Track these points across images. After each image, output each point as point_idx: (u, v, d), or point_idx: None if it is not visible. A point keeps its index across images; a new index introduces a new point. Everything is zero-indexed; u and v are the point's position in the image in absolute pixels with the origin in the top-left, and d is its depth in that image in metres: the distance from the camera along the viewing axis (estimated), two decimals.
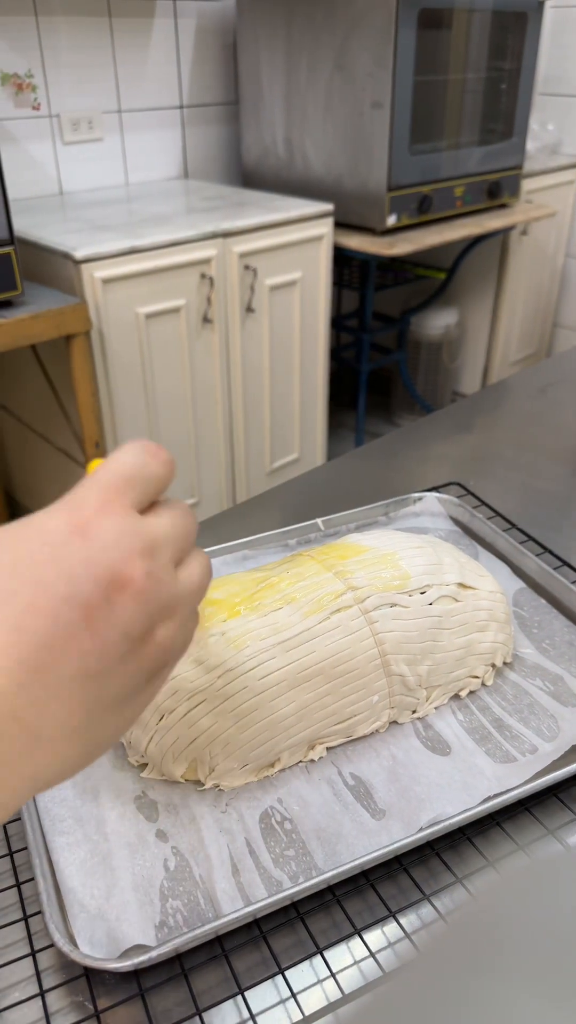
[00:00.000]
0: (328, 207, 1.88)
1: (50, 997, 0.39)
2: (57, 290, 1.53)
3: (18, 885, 0.44)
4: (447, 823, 0.45)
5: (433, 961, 0.20)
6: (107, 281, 1.52)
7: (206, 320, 1.72)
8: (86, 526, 0.26)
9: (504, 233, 2.39)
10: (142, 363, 1.64)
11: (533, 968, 0.18)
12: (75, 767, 0.27)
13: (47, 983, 0.40)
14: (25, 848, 0.45)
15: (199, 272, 1.66)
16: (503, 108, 2.18)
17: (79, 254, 1.48)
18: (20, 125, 1.87)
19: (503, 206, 2.32)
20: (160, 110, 2.10)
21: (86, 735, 0.26)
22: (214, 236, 1.66)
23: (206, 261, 1.66)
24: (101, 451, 1.62)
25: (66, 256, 1.50)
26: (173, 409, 1.75)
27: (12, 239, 1.38)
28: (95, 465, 0.29)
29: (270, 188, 2.15)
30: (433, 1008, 0.18)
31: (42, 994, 0.39)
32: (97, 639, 0.25)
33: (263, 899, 0.41)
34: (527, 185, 2.39)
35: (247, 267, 1.75)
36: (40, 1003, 0.39)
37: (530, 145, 2.48)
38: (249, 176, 2.23)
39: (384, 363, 2.55)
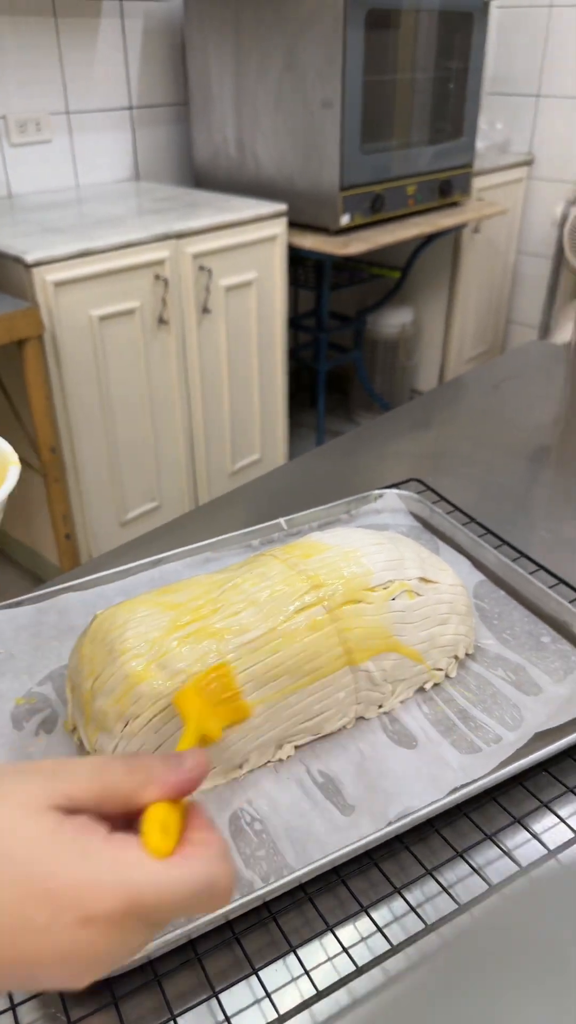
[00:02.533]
0: (282, 207, 1.88)
1: (22, 1011, 0.39)
2: (8, 295, 1.51)
3: None
4: (415, 816, 0.45)
5: (432, 963, 0.20)
6: (59, 284, 1.50)
7: (161, 321, 1.70)
8: (92, 923, 0.26)
9: (456, 231, 2.42)
10: (97, 366, 1.62)
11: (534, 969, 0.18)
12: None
13: (18, 996, 0.39)
14: None
15: (153, 273, 1.65)
16: (452, 107, 2.20)
17: (30, 258, 1.45)
18: None
19: (454, 204, 2.34)
20: (109, 111, 2.08)
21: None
22: (167, 237, 1.65)
23: (159, 262, 1.65)
24: (57, 456, 1.60)
25: (17, 260, 1.47)
26: (130, 412, 1.73)
27: None
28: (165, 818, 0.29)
29: (222, 189, 2.14)
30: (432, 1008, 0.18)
31: (13, 1008, 0.39)
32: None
33: (234, 900, 0.41)
34: (478, 183, 2.43)
35: (201, 268, 1.74)
36: (11, 1017, 0.38)
37: (480, 144, 2.51)
38: (201, 177, 2.22)
39: (341, 362, 2.56)
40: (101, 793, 0.29)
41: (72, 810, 0.28)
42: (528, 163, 2.67)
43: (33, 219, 1.73)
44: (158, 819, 0.29)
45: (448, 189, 2.25)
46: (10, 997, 0.39)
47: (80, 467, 1.68)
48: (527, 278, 2.85)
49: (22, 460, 0.48)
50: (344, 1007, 0.39)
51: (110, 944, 0.27)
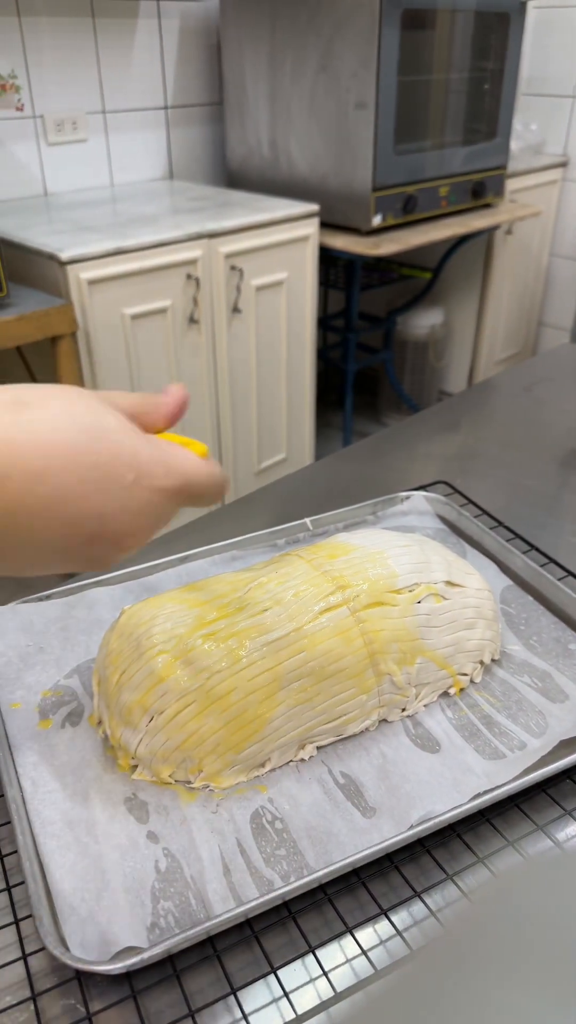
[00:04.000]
0: (313, 207, 1.88)
1: (42, 1001, 0.39)
2: (42, 292, 1.53)
3: (8, 889, 0.44)
4: (437, 820, 0.45)
5: (431, 960, 0.20)
6: (93, 282, 1.52)
7: (192, 321, 1.71)
8: (115, 459, 0.34)
9: (489, 233, 2.40)
10: (128, 364, 1.64)
11: (533, 968, 0.18)
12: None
13: (39, 987, 0.40)
14: (15, 851, 0.45)
15: (185, 273, 1.66)
16: (487, 108, 2.19)
17: (65, 255, 1.47)
18: (4, 126, 1.86)
19: (487, 206, 2.33)
20: (144, 111, 2.10)
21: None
22: (200, 237, 1.66)
23: (192, 262, 1.66)
24: None
25: (51, 257, 1.49)
26: None
27: None
28: (176, 438, 0.39)
29: (255, 189, 2.15)
30: (432, 1008, 0.18)
31: (34, 998, 0.39)
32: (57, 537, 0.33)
33: (255, 899, 0.41)
34: (511, 185, 2.41)
35: (233, 268, 1.75)
36: (32, 1007, 0.39)
37: (514, 145, 2.49)
38: (234, 177, 2.23)
39: (371, 363, 2.56)
40: (135, 407, 0.37)
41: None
42: (563, 165, 2.64)
43: (68, 217, 1.75)
44: (184, 440, 0.39)
45: (481, 190, 2.24)
46: (31, 987, 0.40)
47: None
48: (560, 280, 2.81)
49: None
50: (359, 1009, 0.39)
51: (162, 511, 0.35)
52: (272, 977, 0.40)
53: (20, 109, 1.86)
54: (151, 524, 0.35)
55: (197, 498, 0.37)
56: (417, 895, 0.44)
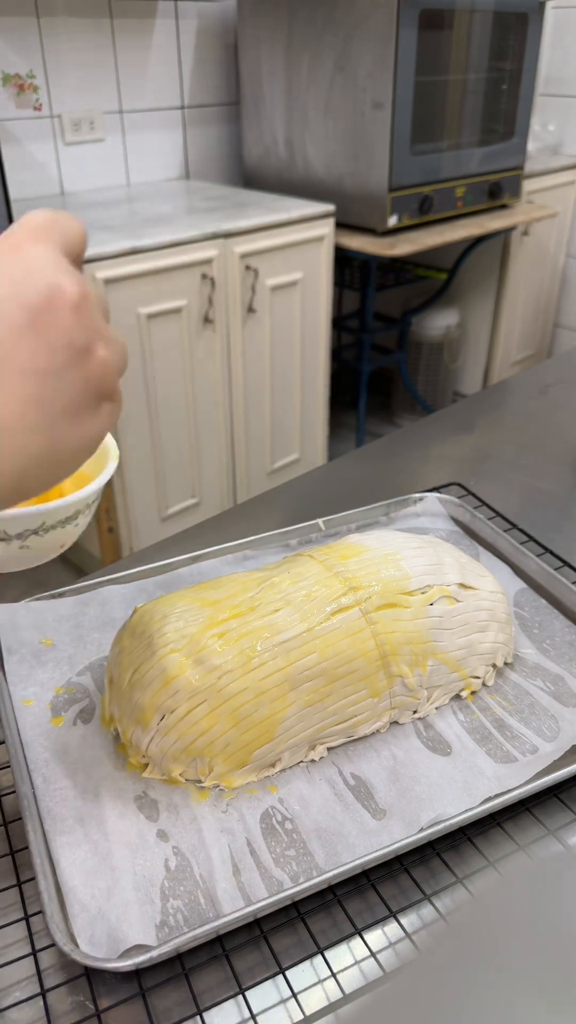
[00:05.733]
0: (329, 208, 1.88)
1: (51, 997, 0.39)
2: None
3: (19, 884, 0.44)
4: (448, 823, 0.45)
5: (433, 961, 0.20)
6: (108, 281, 1.52)
7: (207, 320, 1.72)
8: (20, 247, 0.29)
9: (505, 234, 2.39)
10: (143, 363, 1.64)
11: (533, 968, 0.18)
12: (41, 463, 0.29)
13: (48, 983, 0.40)
14: (26, 848, 0.45)
15: (200, 272, 1.66)
16: (504, 109, 2.18)
17: None
18: (22, 125, 1.87)
19: (504, 207, 2.31)
20: (161, 110, 2.10)
21: (47, 433, 0.29)
22: (215, 237, 1.66)
23: (207, 262, 1.66)
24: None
25: None
26: (174, 409, 1.75)
27: None
28: None
29: (271, 189, 2.15)
30: (433, 1008, 0.18)
31: (43, 993, 0.39)
32: (42, 340, 0.28)
33: (264, 899, 0.41)
34: (528, 186, 2.39)
35: (248, 268, 1.75)
36: (41, 1002, 0.39)
37: (531, 146, 2.48)
38: (250, 176, 2.23)
39: (385, 363, 2.55)
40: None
41: None
42: None
43: (85, 217, 1.75)
44: None
45: (498, 191, 2.23)
46: (40, 983, 0.40)
47: (123, 462, 1.70)
48: None
49: None
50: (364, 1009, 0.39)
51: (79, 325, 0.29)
52: (280, 977, 0.40)
53: (38, 109, 1.87)
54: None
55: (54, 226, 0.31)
56: (427, 897, 0.44)
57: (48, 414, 0.29)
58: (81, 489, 0.40)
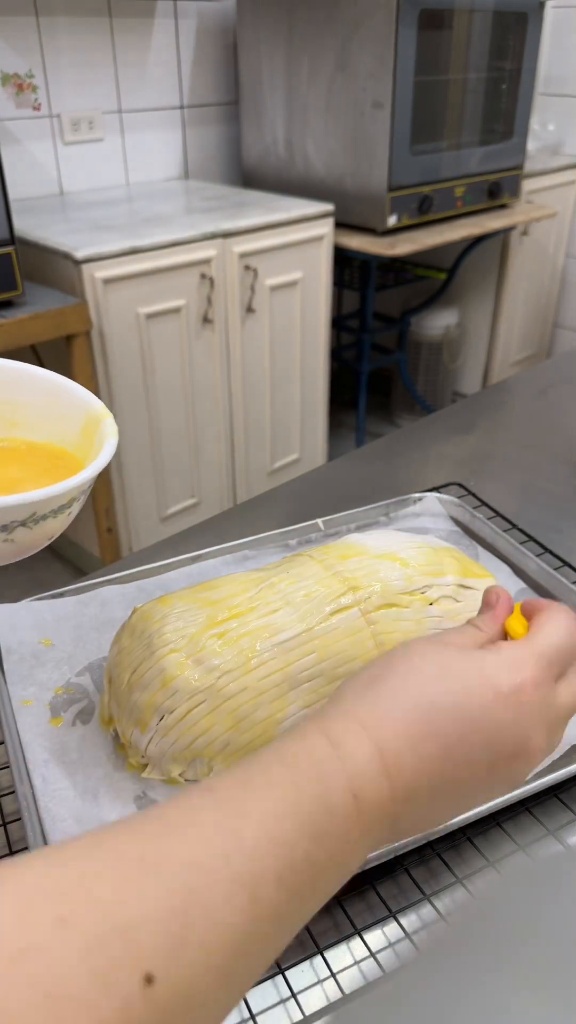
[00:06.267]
0: (329, 207, 1.88)
1: None
2: (57, 290, 1.53)
3: None
4: (448, 823, 0.45)
5: (433, 961, 0.20)
6: (108, 281, 1.52)
7: (206, 320, 1.72)
8: (522, 692, 0.33)
9: (504, 233, 2.39)
10: (142, 363, 1.64)
11: (533, 967, 0.18)
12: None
13: None
14: (25, 848, 0.45)
15: (199, 272, 1.66)
16: (504, 108, 2.18)
17: (80, 254, 1.48)
18: (21, 125, 1.87)
19: (503, 206, 2.32)
20: (161, 110, 2.10)
21: (440, 816, 0.34)
22: (214, 236, 1.66)
23: (206, 261, 1.66)
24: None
25: (67, 256, 1.50)
26: (173, 409, 1.75)
27: (13, 239, 1.38)
28: (515, 626, 0.38)
29: (271, 188, 2.15)
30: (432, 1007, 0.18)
31: None
32: (488, 775, 0.33)
33: None
34: (527, 185, 2.40)
35: (247, 267, 1.75)
36: None
37: (531, 145, 2.48)
38: (250, 176, 2.23)
39: (385, 363, 2.55)
40: (472, 646, 0.36)
41: None
42: None
43: (84, 216, 1.75)
44: (509, 628, 0.38)
45: (497, 191, 2.23)
46: None
47: (123, 462, 1.70)
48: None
49: None
50: (370, 1011, 0.39)
51: (542, 703, 0.33)
52: (280, 977, 0.40)
53: (37, 108, 1.87)
54: (535, 723, 0.33)
55: (556, 656, 0.35)
56: (426, 898, 0.43)
57: (447, 816, 0.34)
58: (77, 474, 0.36)
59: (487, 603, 0.39)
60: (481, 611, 0.39)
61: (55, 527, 0.37)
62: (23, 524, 0.35)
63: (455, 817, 0.35)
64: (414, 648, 0.35)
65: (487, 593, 0.40)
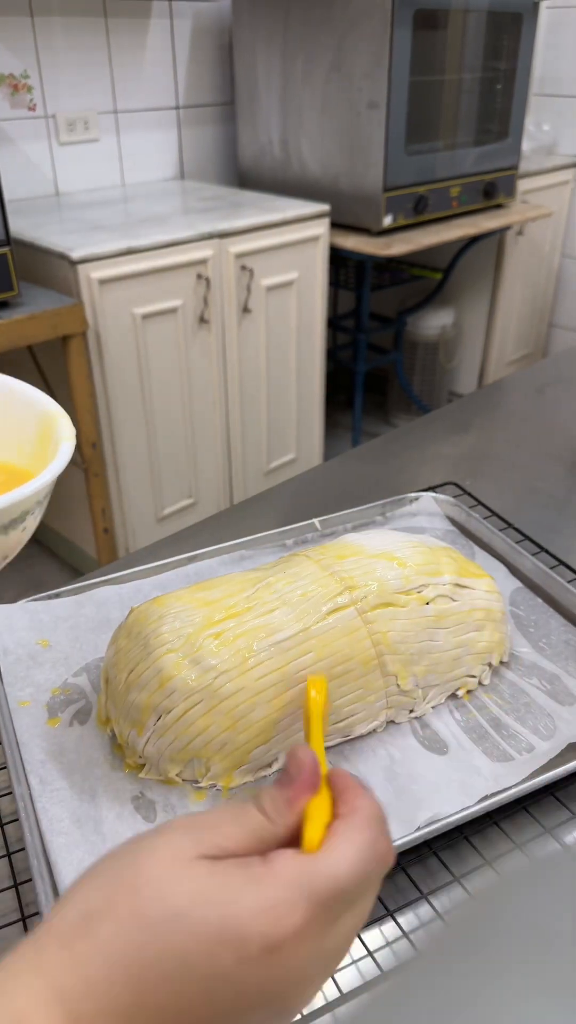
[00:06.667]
0: (324, 208, 1.88)
1: None
2: (53, 291, 1.53)
3: (16, 886, 0.44)
4: (444, 822, 0.45)
5: (432, 960, 0.20)
6: (104, 282, 1.52)
7: (202, 321, 1.72)
8: (278, 949, 0.25)
9: (500, 233, 2.39)
10: (139, 364, 1.64)
11: (532, 966, 0.18)
12: None
13: None
14: (23, 849, 0.45)
15: (195, 273, 1.66)
16: (499, 108, 2.18)
17: (76, 255, 1.47)
18: (16, 126, 1.86)
19: (499, 206, 2.32)
20: (156, 111, 2.10)
21: None
22: (210, 237, 1.66)
23: (202, 262, 1.66)
24: (98, 452, 1.62)
25: (62, 257, 1.49)
26: (170, 410, 1.75)
27: (8, 240, 1.38)
28: (319, 809, 0.29)
29: (266, 189, 2.15)
30: (431, 1007, 0.18)
31: None
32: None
33: None
34: (523, 185, 2.40)
35: (243, 267, 1.75)
36: None
37: (526, 145, 2.48)
38: (245, 177, 2.23)
39: (381, 363, 2.55)
40: (250, 843, 0.28)
41: (219, 857, 0.27)
42: (575, 165, 2.63)
43: (80, 217, 1.75)
44: (307, 816, 0.29)
45: (492, 191, 2.23)
46: None
47: (120, 463, 1.70)
48: (571, 281, 2.80)
49: None
50: (366, 1010, 0.39)
51: (307, 958, 0.26)
52: None
53: (32, 109, 1.87)
54: (299, 987, 0.26)
55: (344, 895, 0.27)
56: (424, 897, 0.44)
57: None
58: (26, 483, 0.31)
59: (287, 773, 0.30)
60: (278, 781, 0.30)
61: (9, 545, 0.33)
62: None
63: None
64: (148, 870, 0.26)
65: (290, 757, 0.30)
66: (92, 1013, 0.24)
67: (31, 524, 0.33)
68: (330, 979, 0.28)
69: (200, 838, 0.27)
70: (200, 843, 0.27)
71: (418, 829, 0.44)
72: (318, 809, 0.29)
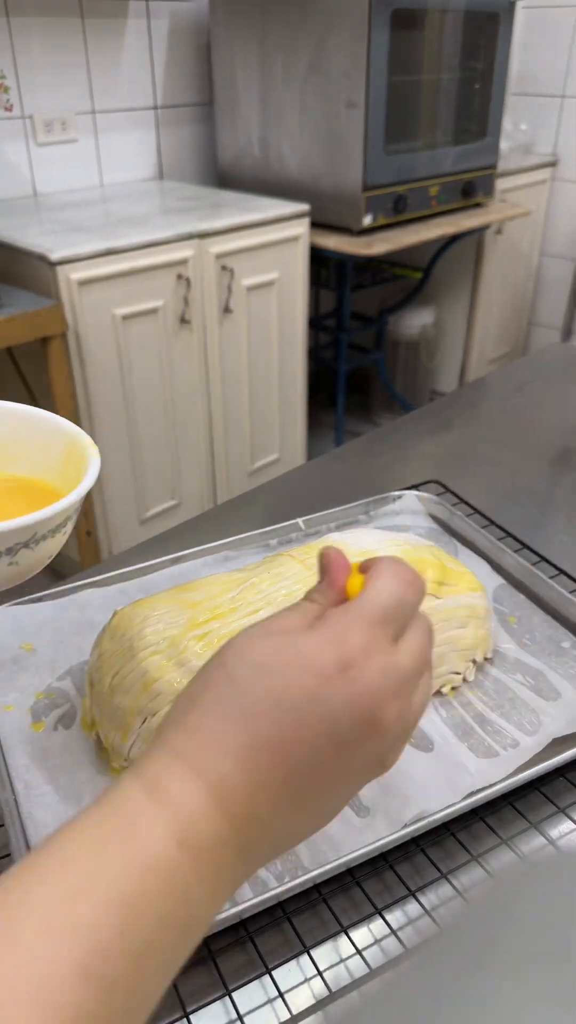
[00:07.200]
0: (304, 207, 1.88)
1: None
2: (33, 292, 1.52)
3: None
4: (431, 819, 0.45)
5: (431, 959, 0.20)
6: (83, 283, 1.51)
7: (183, 321, 1.71)
8: (350, 665, 0.29)
9: (479, 232, 2.40)
10: (119, 365, 1.63)
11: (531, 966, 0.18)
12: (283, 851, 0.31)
13: None
14: (8, 855, 0.45)
15: (176, 273, 1.66)
16: (477, 108, 2.19)
17: (55, 256, 1.47)
18: None
19: (478, 205, 2.33)
20: (134, 111, 2.09)
21: (301, 829, 0.31)
22: (190, 237, 1.66)
23: (183, 262, 1.66)
24: None
25: (41, 258, 1.48)
26: (152, 410, 1.74)
27: None
28: (356, 585, 0.34)
29: (246, 188, 2.14)
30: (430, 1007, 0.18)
31: None
32: (341, 768, 0.29)
33: (249, 900, 0.41)
34: (501, 184, 2.41)
35: (224, 268, 1.75)
36: None
37: (504, 145, 2.50)
38: (225, 177, 2.23)
39: (363, 363, 2.56)
40: (306, 622, 0.32)
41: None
42: (552, 164, 2.65)
43: (58, 218, 1.74)
44: (348, 593, 0.34)
45: (471, 190, 2.24)
46: None
47: (102, 465, 1.69)
48: (550, 280, 2.82)
49: None
50: (356, 1009, 0.39)
51: (379, 671, 0.29)
52: (267, 977, 0.40)
53: (9, 109, 1.86)
54: (377, 695, 0.30)
55: (392, 613, 0.31)
56: (411, 894, 0.44)
57: (315, 818, 0.31)
58: (71, 492, 0.38)
59: (322, 568, 0.35)
60: (319, 578, 0.35)
61: (53, 547, 0.39)
62: (26, 545, 0.37)
63: (326, 821, 0.31)
64: (231, 649, 0.31)
65: (321, 557, 0.35)
66: (213, 761, 0.28)
67: (69, 528, 0.40)
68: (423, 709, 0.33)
69: (266, 625, 0.32)
70: (267, 627, 0.32)
71: (405, 826, 0.45)
72: (354, 585, 0.34)
